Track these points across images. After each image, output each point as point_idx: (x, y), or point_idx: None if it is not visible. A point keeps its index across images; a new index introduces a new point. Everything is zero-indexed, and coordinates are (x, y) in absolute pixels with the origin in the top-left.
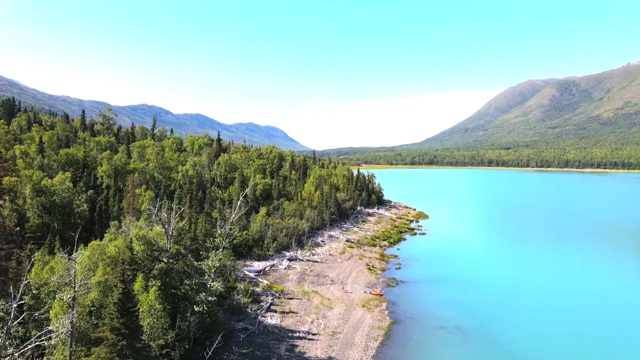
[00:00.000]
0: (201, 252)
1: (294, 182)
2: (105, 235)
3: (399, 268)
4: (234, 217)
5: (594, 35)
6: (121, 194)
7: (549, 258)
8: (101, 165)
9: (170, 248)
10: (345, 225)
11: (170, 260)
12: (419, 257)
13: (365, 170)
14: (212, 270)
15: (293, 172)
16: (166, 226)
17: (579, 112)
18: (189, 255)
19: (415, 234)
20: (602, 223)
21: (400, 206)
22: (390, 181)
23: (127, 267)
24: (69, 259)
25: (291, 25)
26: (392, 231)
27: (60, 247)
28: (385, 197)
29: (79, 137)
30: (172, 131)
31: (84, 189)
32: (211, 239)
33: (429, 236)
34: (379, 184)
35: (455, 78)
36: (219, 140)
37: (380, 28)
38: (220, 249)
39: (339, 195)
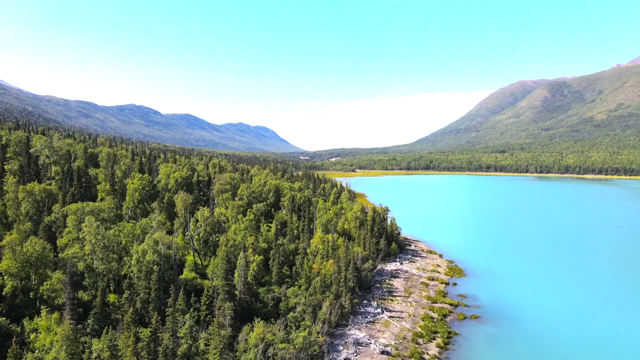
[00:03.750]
0: None
1: (295, 232)
2: None
3: None
4: None
5: (584, 36)
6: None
7: None
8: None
9: None
10: (370, 310)
11: None
12: None
13: (366, 177)
14: None
15: (294, 217)
16: None
17: (572, 113)
18: None
19: (465, 317)
20: None
21: (423, 251)
22: (393, 197)
23: None
24: None
25: (282, 25)
26: (433, 314)
27: None
28: (400, 230)
29: (5, 182)
30: (144, 163)
31: None
32: None
33: (486, 323)
34: (393, 217)
35: (444, 78)
36: (198, 182)
37: (371, 28)
38: None
39: (354, 249)
